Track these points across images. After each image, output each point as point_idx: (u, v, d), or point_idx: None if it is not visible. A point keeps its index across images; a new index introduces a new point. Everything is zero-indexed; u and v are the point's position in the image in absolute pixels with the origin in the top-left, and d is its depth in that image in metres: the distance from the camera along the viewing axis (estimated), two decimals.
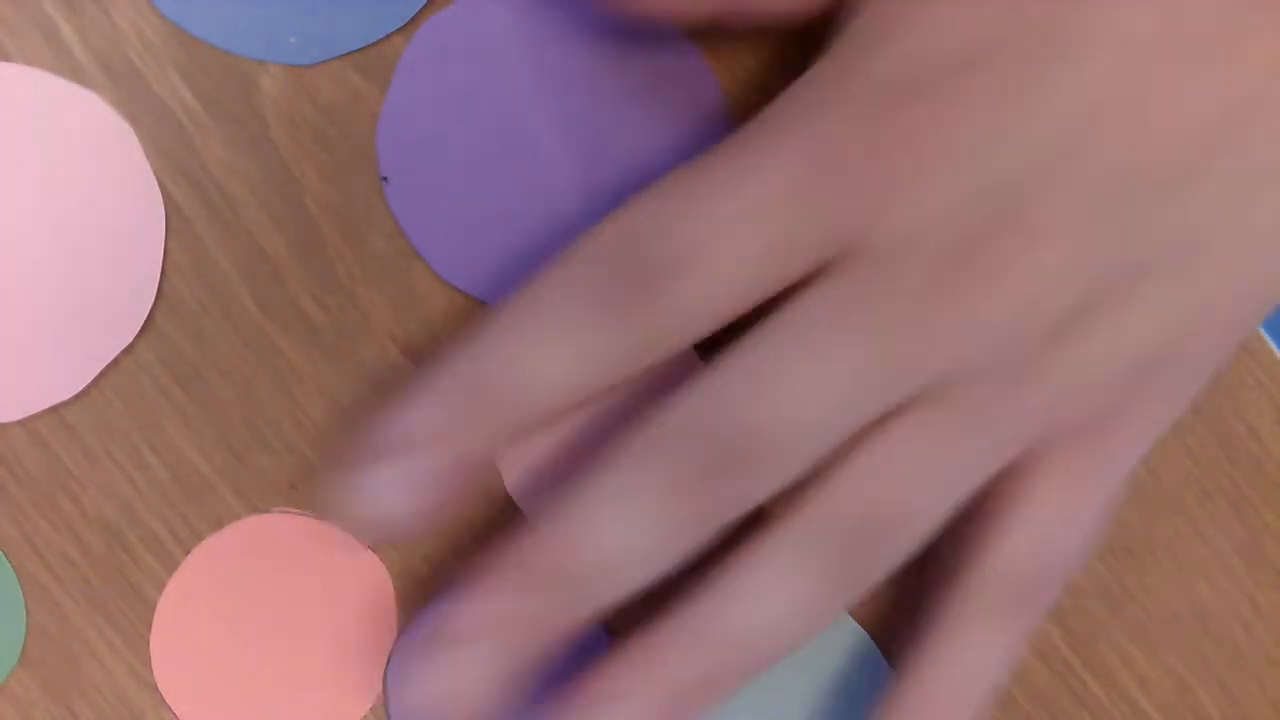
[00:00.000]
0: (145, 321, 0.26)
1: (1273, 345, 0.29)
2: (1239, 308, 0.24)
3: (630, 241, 0.22)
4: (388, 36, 0.27)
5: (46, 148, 0.25)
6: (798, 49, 0.28)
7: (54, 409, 0.26)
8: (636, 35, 0.27)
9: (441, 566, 0.27)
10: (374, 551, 0.27)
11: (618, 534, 0.22)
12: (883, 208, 0.22)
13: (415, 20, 0.27)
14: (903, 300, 0.22)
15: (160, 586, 0.26)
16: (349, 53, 0.26)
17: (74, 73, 0.26)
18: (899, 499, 0.23)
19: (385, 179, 0.27)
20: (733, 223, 0.22)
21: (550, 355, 0.22)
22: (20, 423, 0.26)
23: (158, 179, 0.26)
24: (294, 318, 0.26)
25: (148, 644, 0.26)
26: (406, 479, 0.22)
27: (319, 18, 0.26)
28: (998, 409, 0.23)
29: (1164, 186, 0.23)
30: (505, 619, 0.22)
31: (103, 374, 0.26)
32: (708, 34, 0.28)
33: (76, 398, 0.26)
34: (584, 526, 0.22)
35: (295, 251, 0.26)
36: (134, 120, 0.26)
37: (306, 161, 0.27)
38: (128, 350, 0.26)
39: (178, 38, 0.26)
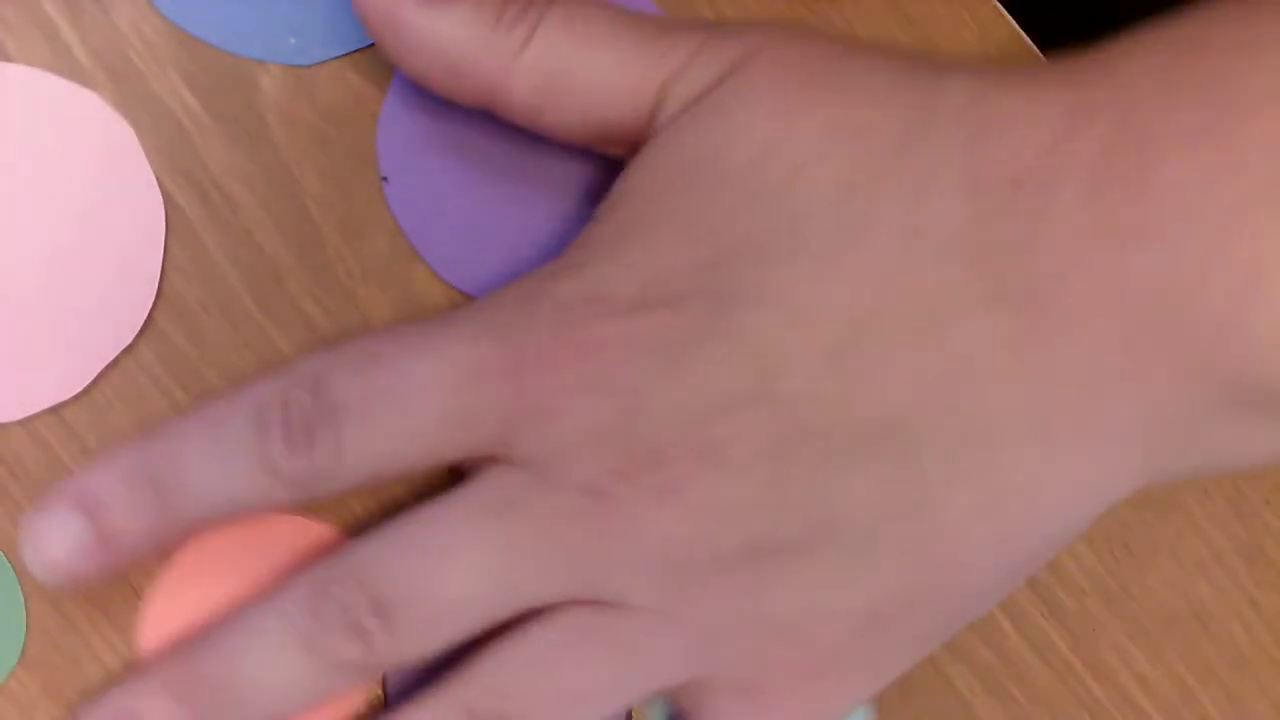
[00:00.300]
0: (145, 321, 0.26)
1: None
2: (955, 580, 0.24)
3: (307, 382, 0.23)
4: None
5: (47, 148, 0.25)
6: None
7: (54, 409, 0.26)
8: None
9: None
10: None
11: (253, 662, 0.22)
12: (559, 411, 0.22)
13: None
14: (562, 504, 0.22)
15: None
16: (349, 53, 0.26)
17: (74, 73, 0.26)
18: (528, 699, 0.23)
19: (385, 179, 0.27)
20: (421, 378, 0.22)
21: (221, 470, 0.23)
22: (20, 423, 0.26)
23: (158, 179, 0.26)
24: (294, 318, 0.26)
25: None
26: (71, 537, 0.22)
27: (319, 18, 0.26)
28: (640, 638, 0.23)
29: (857, 449, 0.22)
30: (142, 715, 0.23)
31: (103, 374, 0.26)
32: None
33: (76, 398, 0.26)
34: (226, 649, 0.23)
35: (295, 251, 0.26)
36: (134, 120, 0.26)
37: (306, 161, 0.27)
38: (128, 350, 0.26)
39: (178, 38, 0.26)
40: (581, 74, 0.24)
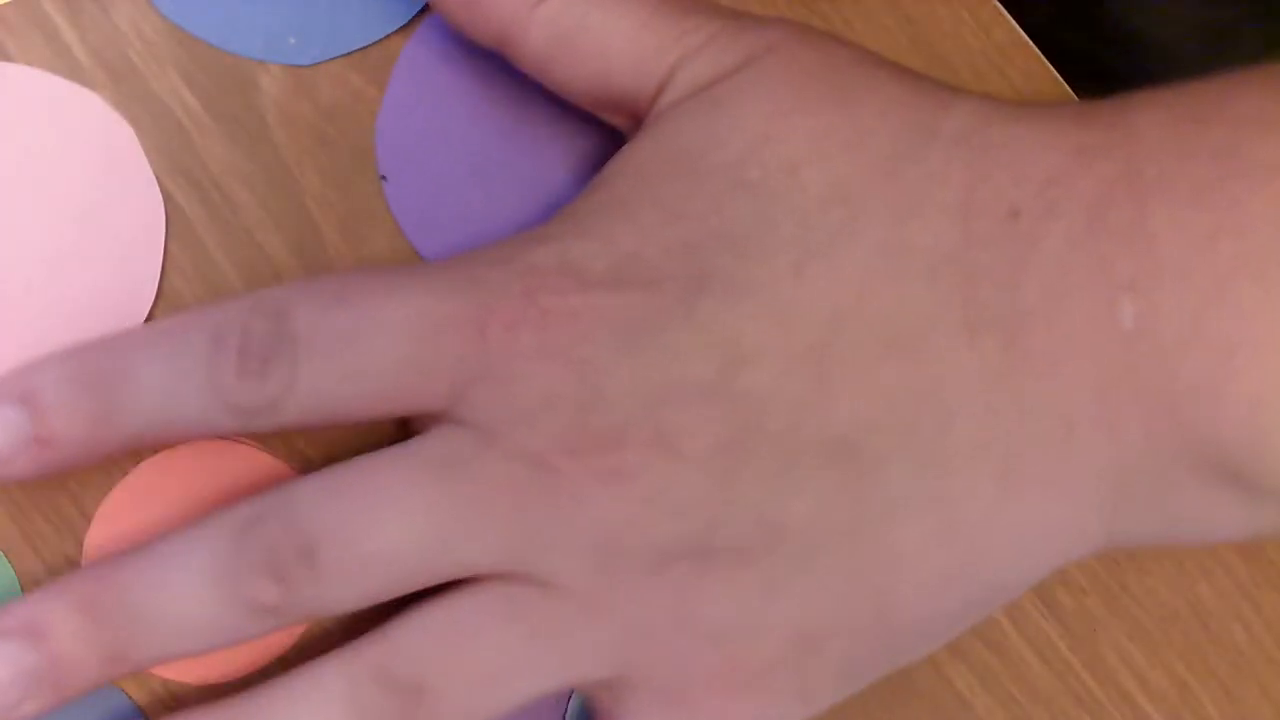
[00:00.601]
0: (145, 321, 0.26)
1: None
2: (895, 613, 0.23)
3: (270, 310, 0.22)
4: (387, 36, 0.27)
5: (47, 148, 0.25)
6: None
7: None
8: None
9: None
10: None
11: (167, 591, 0.22)
12: (518, 376, 0.22)
13: (415, 20, 0.27)
14: (506, 472, 0.22)
15: None
16: (349, 53, 0.26)
17: (74, 73, 0.26)
18: (442, 666, 0.22)
19: (384, 178, 0.27)
20: (385, 323, 0.22)
21: (169, 386, 0.22)
22: None
23: (157, 179, 0.26)
24: None
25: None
26: (7, 431, 0.22)
27: (319, 18, 0.26)
28: (568, 624, 0.22)
29: (812, 459, 0.22)
30: (49, 634, 0.22)
31: None
32: None
33: None
34: (143, 572, 0.22)
35: (295, 251, 0.26)
36: (134, 120, 0.26)
37: (306, 161, 0.27)
38: None
39: (178, 38, 0.26)
40: (598, 35, 0.23)
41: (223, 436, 0.24)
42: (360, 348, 0.22)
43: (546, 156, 0.27)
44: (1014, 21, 0.29)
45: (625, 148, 0.24)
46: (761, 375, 0.22)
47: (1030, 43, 0.29)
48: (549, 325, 0.22)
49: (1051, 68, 0.29)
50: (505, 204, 0.27)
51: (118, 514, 0.25)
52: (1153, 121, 0.23)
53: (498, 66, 0.26)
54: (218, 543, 0.22)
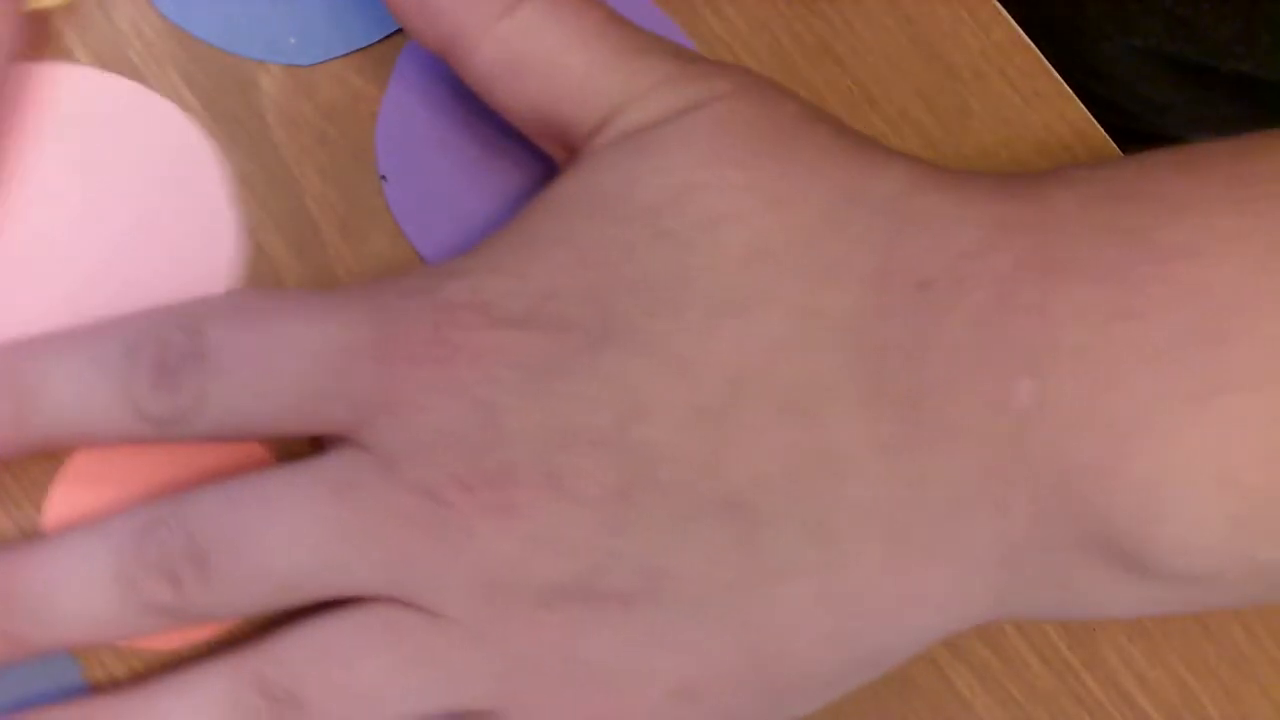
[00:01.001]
0: None
1: None
2: (778, 672, 0.23)
3: (186, 325, 0.23)
4: (387, 36, 0.27)
5: (122, 157, 0.25)
6: (809, 63, 0.28)
7: None
8: None
9: None
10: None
11: (69, 582, 0.22)
12: (418, 408, 0.22)
13: None
14: (400, 500, 0.22)
15: None
16: (349, 53, 0.27)
17: None
18: (321, 681, 0.22)
19: (384, 178, 0.27)
20: (294, 347, 0.22)
21: (83, 393, 0.22)
22: None
23: None
24: None
25: (149, 646, 0.26)
26: None
27: (319, 18, 0.26)
28: (449, 652, 0.22)
29: (702, 514, 0.22)
30: None
31: None
32: (709, 37, 0.28)
33: None
34: (46, 561, 0.23)
35: (295, 251, 0.26)
36: None
37: (306, 161, 0.27)
38: None
39: (178, 38, 0.26)
40: (549, 63, 0.23)
41: (134, 443, 0.24)
42: (268, 369, 0.22)
43: (546, 157, 0.27)
44: (1013, 22, 0.29)
45: (552, 183, 0.24)
46: (658, 429, 0.22)
47: (1030, 43, 0.29)
48: (454, 361, 0.22)
49: (1051, 67, 0.29)
50: (505, 204, 0.27)
51: (79, 486, 0.25)
52: (1069, 199, 0.23)
53: None
54: (120, 540, 0.22)
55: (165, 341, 0.22)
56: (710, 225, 0.22)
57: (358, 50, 0.27)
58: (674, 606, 0.22)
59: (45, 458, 0.25)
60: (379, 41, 0.27)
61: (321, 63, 0.26)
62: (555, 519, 0.22)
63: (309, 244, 0.26)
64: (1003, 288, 0.22)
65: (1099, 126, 0.29)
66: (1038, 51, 0.29)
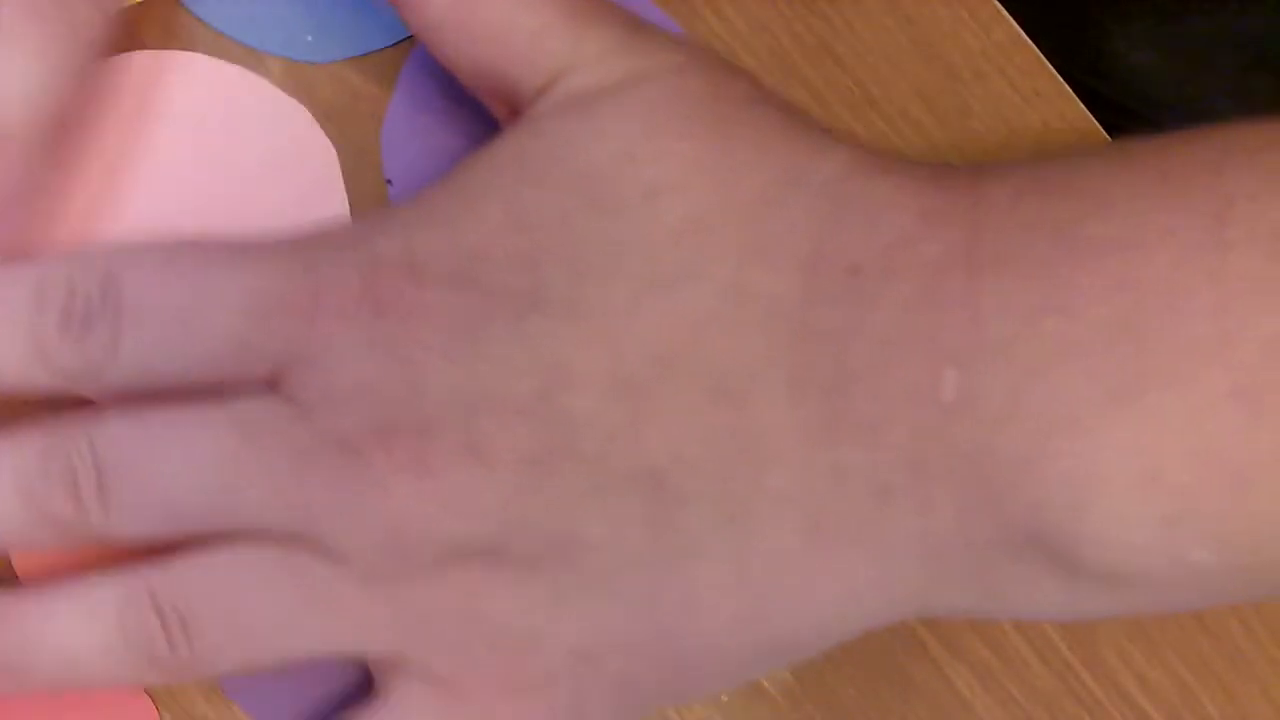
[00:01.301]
0: None
1: None
2: (684, 650, 0.23)
3: (99, 271, 0.22)
4: (400, 41, 0.27)
5: (243, 153, 0.25)
6: (809, 63, 0.28)
7: None
8: None
9: None
10: None
11: None
12: (341, 362, 0.22)
13: None
14: (313, 447, 0.22)
15: None
16: (366, 54, 0.26)
17: None
18: (212, 604, 0.23)
19: (390, 182, 0.27)
20: (215, 299, 0.22)
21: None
22: None
23: None
24: None
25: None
26: None
27: (338, 18, 0.26)
28: (346, 594, 0.22)
29: (617, 487, 0.22)
30: None
31: None
32: (709, 37, 0.28)
33: None
34: None
35: None
36: None
37: None
38: None
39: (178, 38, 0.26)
40: (499, 21, 0.23)
41: (44, 395, 0.23)
42: (187, 322, 0.22)
43: None
44: (1014, 21, 0.29)
45: (492, 141, 0.23)
46: (580, 400, 0.22)
47: (1030, 42, 0.29)
48: (379, 318, 0.22)
49: (1050, 66, 0.29)
50: None
51: None
52: (1002, 193, 0.22)
53: None
54: (28, 449, 0.22)
55: (76, 290, 0.22)
56: (647, 196, 0.22)
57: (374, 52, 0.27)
58: (580, 575, 0.22)
59: None
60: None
61: (329, 63, 0.26)
62: (468, 481, 0.22)
63: None
64: (930, 279, 0.22)
65: (1099, 126, 0.29)
66: (1038, 51, 0.29)
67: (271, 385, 0.23)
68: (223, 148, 0.25)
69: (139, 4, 0.25)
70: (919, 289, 0.22)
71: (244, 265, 0.22)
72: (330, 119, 0.27)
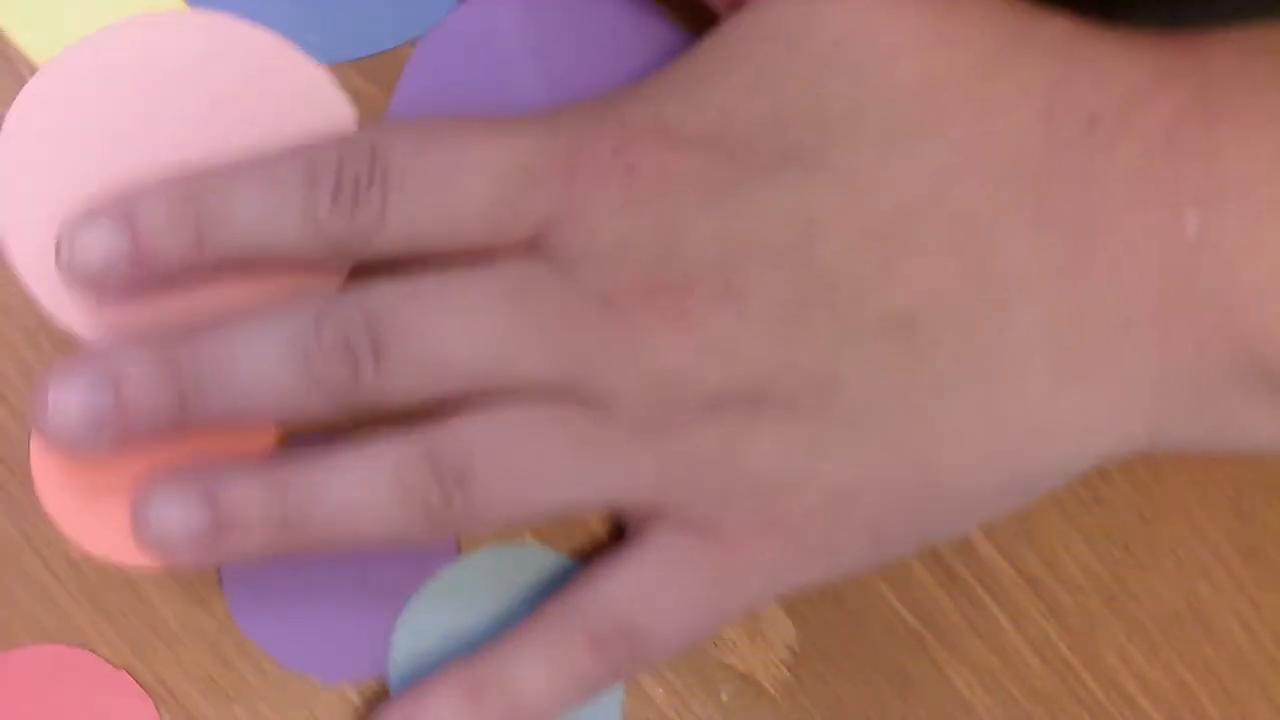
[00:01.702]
0: None
1: None
2: (934, 483, 0.24)
3: (366, 147, 0.23)
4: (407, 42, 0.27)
5: (262, 110, 0.25)
6: None
7: None
8: (642, 41, 0.27)
9: None
10: None
11: (250, 351, 0.23)
12: (600, 221, 0.23)
13: None
14: (577, 303, 0.23)
15: (161, 587, 0.26)
16: (372, 54, 0.26)
17: None
18: (488, 458, 0.23)
19: None
20: (476, 165, 0.23)
21: (264, 211, 0.23)
22: (21, 423, 0.26)
23: None
24: None
25: (151, 648, 0.26)
26: (107, 244, 0.23)
27: (344, 18, 0.26)
28: (614, 444, 0.23)
29: (872, 329, 0.23)
30: (123, 379, 0.23)
31: None
32: None
33: None
34: (225, 332, 0.23)
35: None
36: None
37: None
38: None
39: None
40: None
41: (311, 263, 0.24)
42: (450, 187, 0.23)
43: None
44: None
45: (724, 22, 0.25)
46: (833, 248, 0.23)
47: None
48: (636, 178, 0.23)
49: None
50: None
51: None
52: (1225, 53, 0.24)
53: (505, 75, 0.26)
54: (300, 317, 0.23)
55: (345, 164, 0.23)
56: (886, 57, 0.23)
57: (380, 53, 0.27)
58: (838, 417, 0.23)
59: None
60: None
61: (336, 63, 0.26)
62: (728, 330, 0.23)
63: None
64: (1167, 129, 0.23)
65: None
66: None
67: (530, 249, 0.23)
68: (243, 109, 0.25)
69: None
70: (1157, 138, 0.23)
71: (501, 133, 0.23)
72: None
